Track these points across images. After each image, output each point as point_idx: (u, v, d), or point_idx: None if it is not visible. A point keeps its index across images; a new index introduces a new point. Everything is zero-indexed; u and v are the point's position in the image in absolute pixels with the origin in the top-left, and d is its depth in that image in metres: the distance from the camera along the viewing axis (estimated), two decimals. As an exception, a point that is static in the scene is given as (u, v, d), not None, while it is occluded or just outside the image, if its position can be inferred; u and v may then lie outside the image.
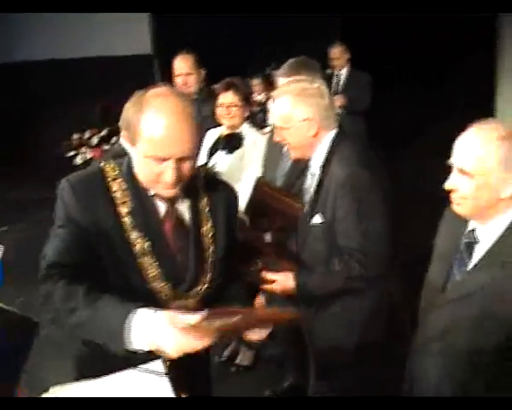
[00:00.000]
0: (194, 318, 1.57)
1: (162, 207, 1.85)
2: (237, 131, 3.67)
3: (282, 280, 2.55)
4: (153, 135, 1.68)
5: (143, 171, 1.77)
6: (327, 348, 2.58)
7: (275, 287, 2.56)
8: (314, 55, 6.06)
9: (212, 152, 3.72)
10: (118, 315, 1.59)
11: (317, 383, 3.23)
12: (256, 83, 7.31)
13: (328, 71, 6.16)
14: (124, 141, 3.07)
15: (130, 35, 7.66)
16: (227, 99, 3.58)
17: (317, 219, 2.50)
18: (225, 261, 1.96)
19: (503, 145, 1.85)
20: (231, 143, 3.65)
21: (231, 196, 2.04)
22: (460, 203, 1.95)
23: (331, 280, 2.48)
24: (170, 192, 1.78)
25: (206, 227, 1.91)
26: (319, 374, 3.11)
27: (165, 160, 1.70)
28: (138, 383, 1.64)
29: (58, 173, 2.09)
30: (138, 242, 1.81)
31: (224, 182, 2.09)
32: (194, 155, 1.76)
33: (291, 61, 3.15)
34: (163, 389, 1.63)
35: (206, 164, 3.67)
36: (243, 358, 3.92)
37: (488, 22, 7.27)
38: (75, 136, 6.73)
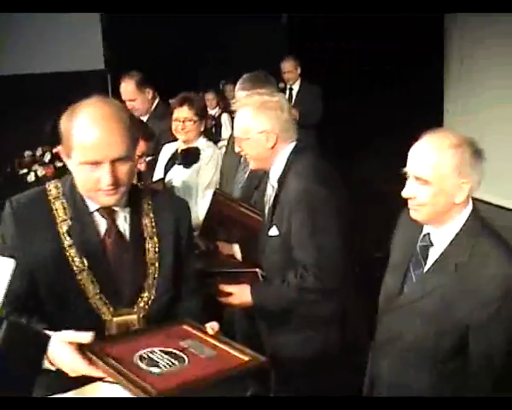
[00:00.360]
0: (83, 336, 1.63)
1: (103, 224, 1.86)
2: (194, 145, 3.70)
3: (239, 293, 2.58)
4: (84, 140, 1.72)
5: (81, 180, 1.79)
6: (284, 358, 2.60)
7: (232, 300, 2.59)
8: (266, 70, 6.18)
9: (168, 166, 3.74)
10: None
11: (278, 391, 3.29)
12: (209, 97, 7.37)
13: (281, 85, 6.25)
14: (63, 156, 3.06)
15: (83, 50, 7.60)
16: (182, 114, 3.62)
17: (274, 232, 2.54)
18: (174, 277, 1.95)
19: (456, 153, 1.94)
20: (188, 157, 3.68)
21: (182, 211, 2.03)
22: (417, 210, 2.02)
23: (286, 293, 2.51)
24: (111, 199, 1.80)
25: (151, 243, 1.91)
26: (279, 383, 3.18)
27: (99, 163, 1.73)
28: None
29: (10, 191, 2.07)
30: (76, 259, 1.82)
31: (174, 196, 2.13)
32: (130, 157, 1.78)
33: (248, 75, 3.20)
34: None
35: (163, 179, 3.69)
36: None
37: (436, 24, 7.47)
38: (27, 153, 6.61)
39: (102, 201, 1.81)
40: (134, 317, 1.87)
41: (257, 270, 2.64)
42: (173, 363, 1.62)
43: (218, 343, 1.75)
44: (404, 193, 2.03)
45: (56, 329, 1.68)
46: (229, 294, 2.58)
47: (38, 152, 6.83)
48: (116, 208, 1.87)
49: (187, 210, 2.05)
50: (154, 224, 1.93)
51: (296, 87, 6.21)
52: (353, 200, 2.69)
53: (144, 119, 4.40)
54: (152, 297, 1.90)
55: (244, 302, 2.58)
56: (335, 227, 2.46)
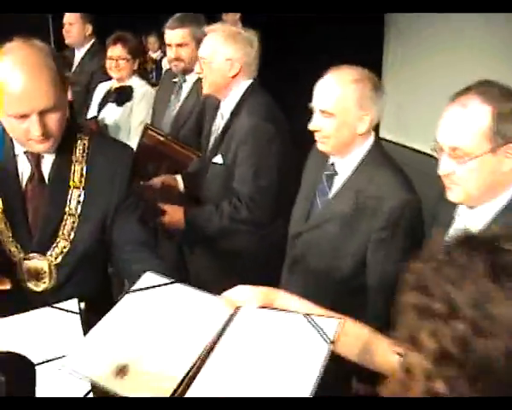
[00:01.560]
0: None
1: (27, 168, 1.83)
2: (127, 83, 3.76)
3: (172, 211, 2.69)
4: (8, 92, 1.64)
5: (11, 130, 1.74)
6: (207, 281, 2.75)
7: (165, 219, 2.69)
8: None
9: (102, 105, 3.80)
10: None
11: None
12: (152, 41, 7.32)
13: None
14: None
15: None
16: (115, 52, 3.70)
17: (218, 160, 2.69)
18: (99, 231, 1.90)
19: (358, 87, 2.09)
20: (121, 95, 3.76)
21: (120, 161, 1.93)
22: (324, 142, 2.16)
23: (218, 219, 2.65)
24: (42, 147, 1.75)
25: (75, 193, 1.86)
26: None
27: (26, 116, 1.66)
28: (52, 321, 1.70)
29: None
30: None
31: (114, 144, 2.04)
32: (60, 107, 1.71)
33: (177, 14, 3.26)
34: (75, 326, 1.68)
35: (96, 117, 3.75)
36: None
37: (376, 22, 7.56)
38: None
39: (33, 148, 1.77)
40: (45, 262, 1.87)
41: None
42: None
43: None
44: (311, 126, 2.16)
45: None
46: (163, 212, 2.69)
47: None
48: (43, 153, 1.82)
49: (127, 159, 1.95)
50: (84, 173, 1.87)
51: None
52: (295, 143, 2.80)
53: (80, 54, 4.46)
54: (68, 247, 1.87)
55: (176, 221, 2.69)
56: (276, 166, 2.61)
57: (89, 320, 1.70)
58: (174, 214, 2.69)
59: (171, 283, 1.58)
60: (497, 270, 0.87)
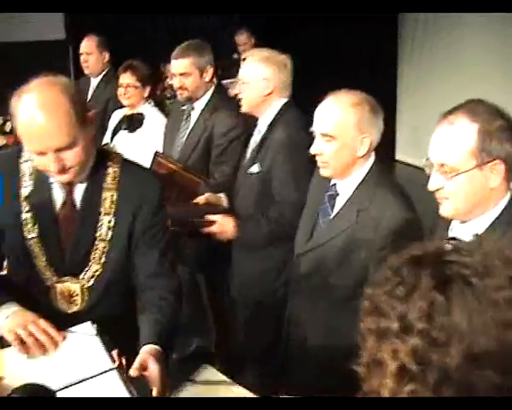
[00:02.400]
0: None
1: (61, 196, 1.90)
2: (139, 111, 3.85)
3: (223, 222, 2.77)
4: (24, 131, 1.73)
5: (36, 163, 1.82)
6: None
7: (214, 229, 2.77)
8: (223, 42, 6.27)
9: (115, 132, 3.90)
10: None
11: (219, 342, 3.52)
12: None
13: (235, 55, 6.39)
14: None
15: (44, 20, 7.61)
16: (124, 79, 3.81)
17: (255, 169, 2.80)
18: (128, 257, 1.95)
19: (357, 110, 2.15)
20: (132, 122, 3.85)
21: (149, 192, 1.96)
22: (325, 166, 2.23)
23: (266, 224, 2.74)
24: (63, 178, 1.80)
25: (106, 219, 1.91)
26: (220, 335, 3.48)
27: (43, 153, 1.73)
28: (70, 344, 1.78)
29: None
30: (29, 225, 1.89)
31: (145, 174, 2.09)
32: (78, 143, 1.75)
33: (183, 44, 3.35)
34: (94, 348, 1.77)
35: (107, 144, 3.85)
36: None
37: (390, 23, 7.60)
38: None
39: (56, 179, 1.84)
40: (77, 285, 1.94)
41: None
42: None
43: None
44: (312, 150, 2.23)
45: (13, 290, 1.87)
46: (212, 222, 2.77)
47: (-1, 121, 6.85)
48: (76, 182, 1.88)
49: (155, 190, 1.98)
50: (114, 200, 1.92)
51: (250, 58, 6.35)
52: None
53: (95, 81, 4.59)
54: (100, 271, 1.93)
55: (228, 230, 2.78)
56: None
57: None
58: (226, 224, 2.77)
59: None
60: (442, 281, 0.90)
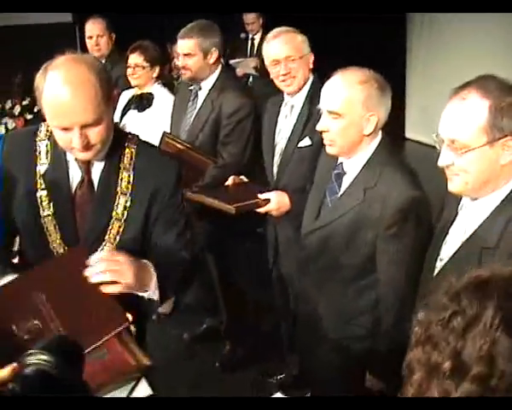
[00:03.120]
0: None
1: (78, 174, 1.91)
2: (148, 90, 3.86)
3: (279, 197, 2.76)
4: (51, 106, 1.73)
5: (58, 139, 1.82)
6: None
7: (270, 207, 2.76)
8: (231, 18, 6.19)
9: (124, 112, 3.90)
10: None
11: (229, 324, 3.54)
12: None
13: (243, 35, 6.35)
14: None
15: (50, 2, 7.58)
16: (132, 60, 3.80)
17: (306, 142, 2.79)
18: (142, 237, 1.95)
19: (364, 88, 2.13)
20: (142, 102, 3.86)
21: (166, 174, 1.96)
22: (331, 144, 2.21)
23: None
24: (85, 155, 1.82)
25: (122, 199, 1.91)
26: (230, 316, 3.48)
27: (68, 129, 1.74)
28: None
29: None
30: (44, 203, 1.90)
31: (162, 156, 2.10)
32: (102, 120, 1.76)
33: (190, 24, 3.33)
34: None
35: (117, 123, 3.85)
36: (164, 306, 4.14)
37: (398, 21, 7.53)
38: (-6, 105, 6.64)
39: (77, 156, 1.85)
40: None
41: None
42: None
43: (116, 343, 1.61)
44: (318, 127, 2.22)
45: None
46: (267, 201, 2.76)
47: (8, 105, 6.88)
48: (93, 161, 1.89)
49: (172, 172, 1.98)
50: (131, 180, 1.91)
51: (258, 37, 6.30)
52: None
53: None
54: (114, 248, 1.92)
55: (283, 207, 2.78)
56: None
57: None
58: (282, 199, 2.76)
59: None
60: (508, 320, 0.77)
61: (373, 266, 2.17)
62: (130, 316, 1.64)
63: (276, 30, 2.90)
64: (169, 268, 1.89)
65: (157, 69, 3.86)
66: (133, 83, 3.85)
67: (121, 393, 1.56)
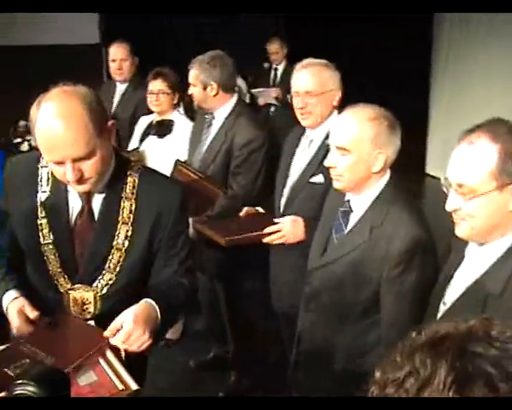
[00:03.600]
0: (31, 312, 1.84)
1: (78, 204, 1.91)
2: (168, 117, 3.89)
3: (293, 222, 2.71)
4: (43, 139, 1.73)
5: (54, 172, 1.83)
6: None
7: (286, 236, 2.72)
8: (254, 50, 6.26)
9: (143, 137, 3.94)
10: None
11: (235, 354, 3.51)
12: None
13: (266, 64, 6.41)
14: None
15: (78, 24, 7.75)
16: (155, 86, 3.82)
17: (319, 179, 2.73)
18: (143, 266, 1.96)
19: (374, 125, 2.13)
20: (162, 128, 3.88)
21: (169, 199, 1.95)
22: (338, 179, 2.21)
23: None
24: (81, 188, 1.81)
25: (123, 229, 1.91)
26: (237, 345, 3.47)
27: (61, 163, 1.73)
28: None
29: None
30: (45, 231, 1.92)
31: (165, 182, 2.07)
32: (96, 153, 1.75)
33: (201, 55, 3.37)
34: None
35: (137, 149, 3.89)
36: (172, 332, 4.13)
37: (424, 23, 7.53)
38: (21, 123, 6.78)
39: (74, 189, 1.84)
40: (90, 294, 1.95)
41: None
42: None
43: (103, 368, 1.71)
44: (326, 162, 2.22)
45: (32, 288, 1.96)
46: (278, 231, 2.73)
47: (33, 122, 6.97)
48: (93, 191, 1.89)
49: (175, 198, 1.96)
50: (133, 209, 1.91)
51: (281, 67, 6.35)
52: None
53: (123, 87, 4.65)
54: (114, 279, 1.93)
55: (299, 232, 2.72)
56: None
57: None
58: (296, 226, 2.71)
59: None
60: (463, 378, 0.75)
61: (378, 305, 2.15)
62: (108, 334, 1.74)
63: (307, 61, 2.83)
64: (169, 296, 1.90)
65: (177, 96, 3.91)
66: (155, 109, 3.87)
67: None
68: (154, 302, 1.82)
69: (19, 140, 6.75)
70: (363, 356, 2.20)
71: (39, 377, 1.15)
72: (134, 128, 4.12)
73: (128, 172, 1.94)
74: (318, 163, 2.75)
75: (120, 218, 1.90)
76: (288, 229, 2.73)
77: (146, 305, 1.80)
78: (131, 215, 1.91)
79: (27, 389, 1.11)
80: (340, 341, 2.25)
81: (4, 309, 1.89)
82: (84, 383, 1.64)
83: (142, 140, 3.94)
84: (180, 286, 1.95)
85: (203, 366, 3.83)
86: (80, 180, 1.76)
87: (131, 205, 1.91)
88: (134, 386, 1.66)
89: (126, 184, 1.92)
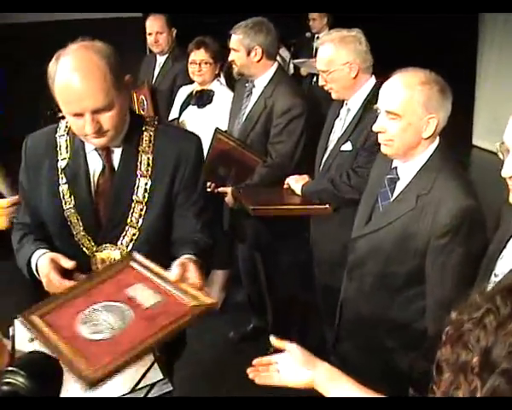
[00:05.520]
0: (66, 262, 1.83)
1: (99, 163, 1.93)
2: (208, 87, 3.85)
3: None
4: (62, 92, 1.74)
5: (72, 126, 1.84)
6: None
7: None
8: (294, 18, 6.11)
9: (183, 107, 3.91)
10: (26, 254, 1.93)
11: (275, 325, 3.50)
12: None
13: (308, 34, 6.27)
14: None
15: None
16: (198, 56, 3.78)
17: (347, 147, 2.79)
18: (166, 218, 1.96)
19: (424, 89, 2.04)
20: (202, 98, 3.85)
21: (186, 148, 1.96)
22: (387, 144, 2.13)
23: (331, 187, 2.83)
24: (99, 141, 1.83)
25: (142, 181, 1.92)
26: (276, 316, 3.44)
27: (80, 115, 1.75)
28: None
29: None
30: (66, 197, 1.93)
31: (181, 133, 2.08)
32: (114, 106, 1.77)
33: (244, 21, 3.31)
34: None
35: (177, 118, 3.87)
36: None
37: (470, 23, 7.29)
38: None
39: (92, 142, 1.86)
40: (117, 252, 1.95)
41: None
42: (113, 326, 1.58)
43: (166, 285, 1.70)
44: (375, 127, 2.13)
45: None
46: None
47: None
48: (112, 147, 1.91)
49: (191, 148, 1.97)
50: (150, 162, 1.93)
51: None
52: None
53: (162, 58, 4.60)
54: (137, 234, 1.94)
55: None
56: None
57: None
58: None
59: None
60: None
61: (422, 276, 2.08)
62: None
63: (321, 39, 2.95)
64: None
65: (219, 65, 3.86)
66: (197, 80, 3.83)
67: (133, 380, 1.56)
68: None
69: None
70: (406, 328, 2.14)
71: (30, 367, 1.13)
72: (173, 99, 4.09)
73: (143, 128, 1.96)
74: (351, 131, 2.77)
75: (139, 171, 1.92)
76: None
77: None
78: (149, 168, 1.93)
79: (18, 379, 1.09)
80: (383, 311, 2.19)
81: (34, 266, 1.89)
82: (153, 305, 1.63)
83: (182, 110, 3.92)
84: (194, 243, 1.93)
85: (243, 337, 3.83)
86: (98, 133, 1.78)
87: (149, 158, 1.93)
88: (209, 300, 1.63)
89: (143, 138, 1.94)
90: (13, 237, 2.05)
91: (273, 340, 1.60)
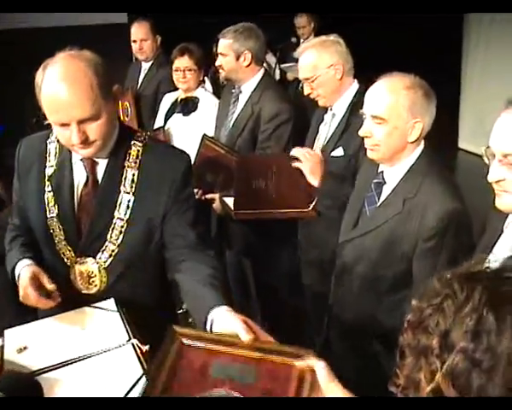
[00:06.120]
0: (46, 281, 1.83)
1: (83, 174, 1.90)
2: (193, 94, 3.84)
3: (310, 155, 2.68)
4: (49, 102, 1.72)
5: (58, 136, 1.82)
6: None
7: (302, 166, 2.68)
8: (280, 24, 6.13)
9: (168, 115, 3.90)
10: (12, 261, 1.93)
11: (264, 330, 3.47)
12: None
13: (294, 39, 6.29)
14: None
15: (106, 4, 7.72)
16: (182, 63, 3.76)
17: (339, 152, 2.72)
18: (147, 236, 1.92)
19: (409, 93, 2.06)
20: (187, 106, 3.84)
21: (174, 168, 1.92)
22: (373, 149, 2.14)
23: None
24: (86, 152, 1.81)
25: (125, 198, 1.89)
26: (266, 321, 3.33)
27: (66, 125, 1.72)
28: (92, 319, 1.82)
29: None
30: (50, 205, 1.92)
31: (170, 151, 2.04)
32: (100, 116, 1.74)
33: (236, 25, 3.30)
34: (115, 324, 1.78)
35: (162, 127, 3.86)
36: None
37: (455, 23, 7.35)
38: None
39: (79, 153, 1.84)
40: (95, 266, 1.94)
41: None
42: None
43: (255, 353, 1.38)
44: (361, 132, 2.15)
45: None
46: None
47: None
48: (97, 159, 1.88)
49: (181, 166, 1.93)
50: (135, 179, 1.89)
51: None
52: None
53: (147, 65, 4.60)
54: (116, 251, 1.91)
55: (315, 163, 2.67)
56: None
57: (130, 321, 1.78)
58: (313, 158, 2.67)
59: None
60: (496, 297, 0.81)
61: (408, 279, 2.09)
62: None
63: (301, 47, 2.90)
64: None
65: (203, 72, 3.86)
66: (182, 87, 3.81)
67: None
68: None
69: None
70: (393, 332, 2.14)
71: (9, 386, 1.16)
72: (157, 106, 4.08)
73: (132, 142, 1.93)
74: (339, 136, 2.74)
75: (122, 187, 1.89)
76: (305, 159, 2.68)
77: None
78: (134, 185, 1.89)
79: None
80: (370, 315, 2.20)
81: (16, 275, 1.88)
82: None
83: (167, 118, 3.90)
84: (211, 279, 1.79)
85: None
86: (85, 143, 1.75)
87: (134, 175, 1.90)
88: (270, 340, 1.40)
89: (130, 153, 1.91)
90: (5, 236, 2.06)
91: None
